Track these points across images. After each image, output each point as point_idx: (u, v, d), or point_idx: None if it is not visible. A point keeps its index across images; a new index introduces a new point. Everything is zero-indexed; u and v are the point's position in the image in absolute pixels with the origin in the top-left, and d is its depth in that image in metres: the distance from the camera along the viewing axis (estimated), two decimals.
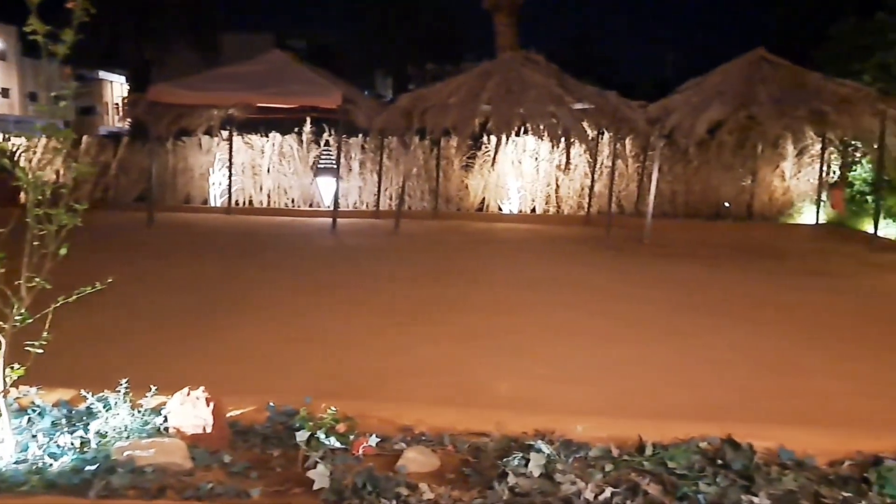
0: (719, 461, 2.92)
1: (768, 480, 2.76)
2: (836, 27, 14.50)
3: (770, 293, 7.02)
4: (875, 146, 10.78)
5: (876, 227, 10.19)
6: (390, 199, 13.55)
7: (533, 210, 13.51)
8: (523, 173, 13.40)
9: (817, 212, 12.54)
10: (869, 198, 12.31)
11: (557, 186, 13.45)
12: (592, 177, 13.13)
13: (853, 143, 12.69)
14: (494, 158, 13.32)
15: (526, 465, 2.86)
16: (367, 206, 13.90)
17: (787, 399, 3.98)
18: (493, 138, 12.71)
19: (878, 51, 12.89)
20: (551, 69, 11.24)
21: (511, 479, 2.76)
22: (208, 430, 2.99)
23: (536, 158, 13.33)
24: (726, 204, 13.35)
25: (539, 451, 2.93)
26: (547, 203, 13.48)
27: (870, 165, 12.33)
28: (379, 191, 13.63)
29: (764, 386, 4.20)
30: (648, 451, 3.02)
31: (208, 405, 3.01)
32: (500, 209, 13.59)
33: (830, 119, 10.16)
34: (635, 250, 9.76)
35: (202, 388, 3.07)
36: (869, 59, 12.97)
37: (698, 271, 8.21)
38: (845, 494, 2.66)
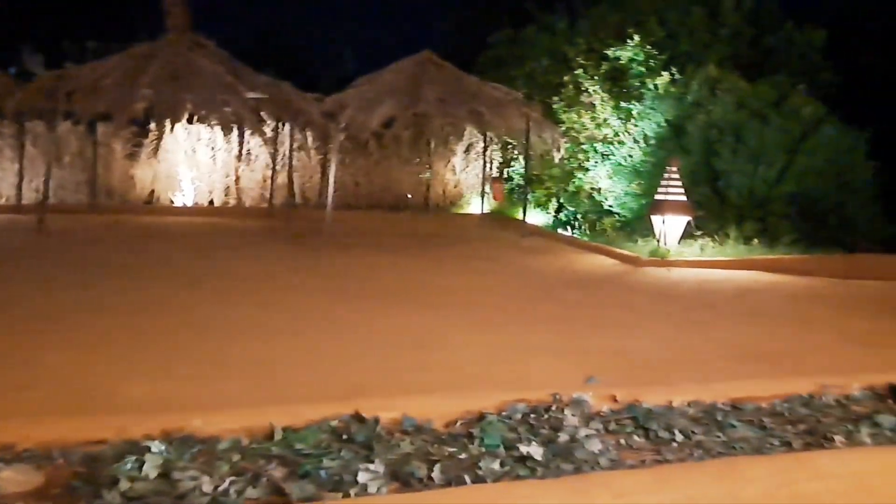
0: (345, 436, 3.00)
1: (388, 447, 2.90)
2: (495, 36, 16.21)
3: (435, 277, 7.57)
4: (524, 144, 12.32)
5: (524, 215, 11.67)
6: (37, 191, 11.92)
7: (211, 202, 12.93)
8: (198, 163, 12.73)
9: (482, 202, 13.97)
10: (526, 190, 14.05)
11: (238, 178, 13.05)
12: (274, 168, 12.99)
13: (510, 141, 14.35)
14: (158, 147, 12.41)
15: (141, 468, 2.65)
16: (6, 199, 12.09)
17: (424, 372, 4.25)
18: (165, 125, 11.90)
19: (527, 60, 14.73)
20: (222, 55, 10.85)
21: (124, 485, 2.52)
22: None
23: (213, 148, 12.78)
24: (409, 195, 14.22)
25: (155, 451, 2.73)
26: (226, 195, 13.00)
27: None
28: (20, 182, 11.91)
29: (406, 362, 4.45)
30: (278, 437, 2.99)
31: None
32: (172, 202, 12.77)
33: (486, 119, 11.33)
34: (314, 242, 9.86)
35: None
36: (521, 67, 14.75)
37: (373, 260, 8.57)
38: (451, 450, 2.90)
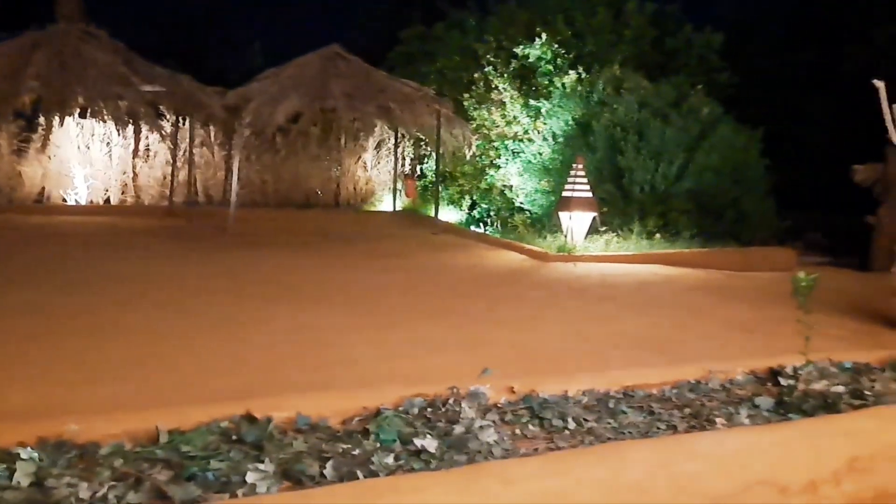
0: (235, 437, 2.91)
1: (280, 447, 2.83)
2: (406, 32, 16.20)
3: (341, 275, 7.48)
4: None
5: (436, 213, 11.71)
6: None
7: (107, 201, 12.34)
8: (92, 160, 12.12)
9: (394, 200, 13.93)
10: (438, 187, 14.10)
11: (136, 175, 12.51)
12: (174, 165, 12.51)
13: (422, 138, 14.37)
14: (47, 142, 11.73)
15: (11, 477, 2.50)
16: None
17: (323, 370, 4.18)
18: (53, 119, 11.23)
19: (438, 57, 14.78)
20: (116, 46, 10.37)
21: None
22: None
23: (108, 144, 12.19)
24: (318, 192, 14.01)
25: (26, 458, 2.57)
26: (123, 193, 12.43)
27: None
28: None
29: (305, 360, 4.36)
30: (164, 440, 2.87)
31: None
32: (64, 200, 12.12)
33: (396, 115, 11.30)
34: (217, 241, 9.57)
35: None
36: (432, 63, 14.80)
37: (279, 259, 8.39)
38: (345, 446, 2.86)
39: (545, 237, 10.72)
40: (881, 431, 2.85)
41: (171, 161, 12.45)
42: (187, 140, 12.55)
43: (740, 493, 2.56)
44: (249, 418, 3.02)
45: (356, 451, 2.80)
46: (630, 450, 2.59)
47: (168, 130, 11.97)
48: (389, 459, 2.74)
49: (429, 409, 3.25)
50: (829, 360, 4.03)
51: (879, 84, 5.82)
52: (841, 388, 3.49)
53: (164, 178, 12.54)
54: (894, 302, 5.55)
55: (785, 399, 3.42)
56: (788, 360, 3.99)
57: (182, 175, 12.51)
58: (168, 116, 11.35)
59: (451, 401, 3.32)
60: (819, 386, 3.51)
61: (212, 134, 12.69)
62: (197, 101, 10.37)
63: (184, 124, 12.30)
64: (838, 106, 18.28)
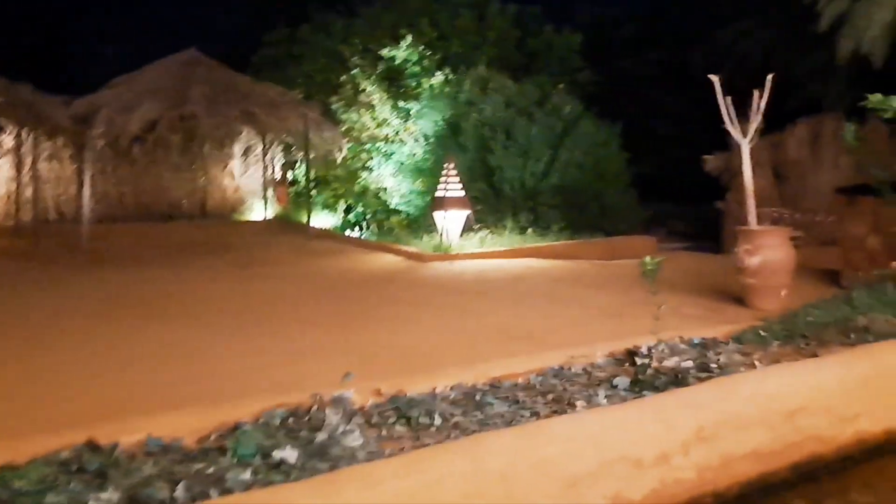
0: (77, 467, 2.69)
1: (126, 473, 2.64)
2: (270, 36, 15.78)
3: (208, 287, 7.15)
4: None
5: (309, 219, 11.47)
6: None
7: None
8: None
9: (265, 208, 13.53)
10: (313, 192, 13.81)
11: None
12: (19, 181, 11.52)
13: (292, 143, 14.04)
14: None
15: None
16: None
17: (182, 386, 3.96)
18: None
19: (304, 60, 14.51)
20: None
21: None
22: None
23: None
24: (184, 203, 13.38)
25: None
26: None
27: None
28: None
29: (164, 378, 4.13)
30: None
31: None
32: None
33: (262, 120, 10.97)
34: (70, 260, 8.91)
35: None
36: (298, 67, 14.51)
37: (141, 274, 7.92)
38: (199, 466, 2.70)
39: (421, 238, 10.76)
40: (724, 401, 3.02)
41: (17, 177, 11.47)
42: (33, 154, 11.58)
43: (599, 471, 2.63)
44: (92, 446, 2.81)
45: (210, 470, 2.66)
46: (491, 440, 2.60)
47: (10, 144, 11.00)
48: (246, 475, 2.62)
49: (291, 419, 3.15)
50: (679, 337, 4.25)
51: (715, 79, 6.23)
52: (690, 363, 3.69)
53: (8, 196, 11.52)
54: (739, 279, 5.95)
55: (640, 378, 3.57)
56: (644, 341, 4.18)
57: (29, 191, 11.54)
58: (7, 129, 10.44)
59: (314, 409, 3.23)
60: (670, 363, 3.69)
61: (60, 146, 11.80)
62: (38, 112, 9.59)
63: (27, 137, 11.35)
64: (689, 101, 19.52)
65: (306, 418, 3.15)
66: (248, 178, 14.01)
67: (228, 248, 10.27)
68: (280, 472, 2.66)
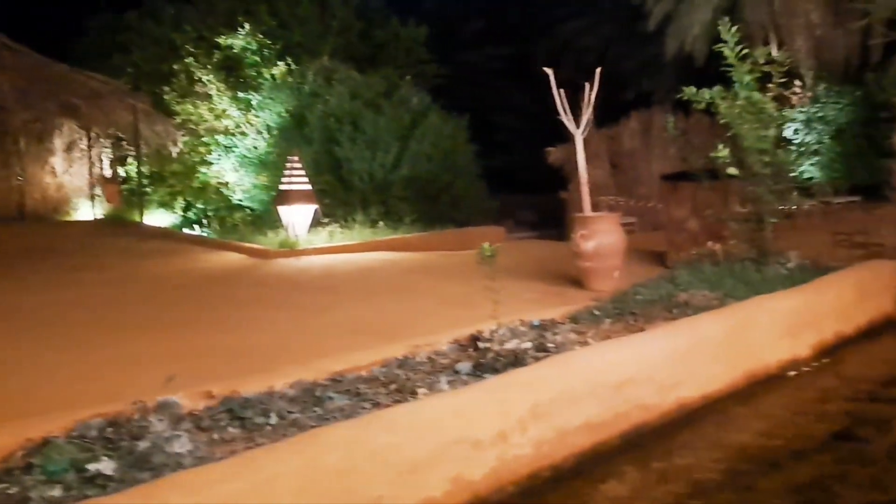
0: None
1: None
2: (93, 22, 14.61)
3: (25, 297, 6.47)
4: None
5: (143, 218, 10.73)
6: None
7: None
8: None
9: (93, 207, 12.51)
10: (147, 189, 12.92)
11: None
12: None
13: (122, 137, 13.07)
14: None
15: None
16: None
17: None
18: None
19: (133, 48, 13.54)
20: None
21: None
22: None
23: None
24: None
25: None
26: None
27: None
28: None
29: None
30: None
31: None
32: None
33: (84, 113, 10.12)
34: None
35: None
36: (126, 55, 13.51)
37: None
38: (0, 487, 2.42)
39: (267, 234, 10.39)
40: (557, 377, 3.12)
41: None
42: None
43: (438, 455, 2.63)
44: None
45: (13, 490, 2.39)
46: (327, 434, 2.52)
47: None
48: (56, 492, 2.38)
49: (110, 429, 2.89)
50: (520, 320, 4.36)
51: (549, 71, 6.46)
52: (529, 345, 3.78)
53: None
54: (576, 263, 6.23)
55: (481, 362, 3.62)
56: (487, 326, 4.24)
57: None
58: None
59: (137, 416, 2.98)
60: (511, 345, 3.77)
61: None
62: None
63: None
64: (533, 95, 20.29)
65: (127, 427, 2.90)
66: (73, 176, 12.87)
67: (51, 252, 9.38)
68: (95, 485, 2.44)
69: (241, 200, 12.16)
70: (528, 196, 18.78)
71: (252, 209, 12.01)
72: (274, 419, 3.02)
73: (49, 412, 3.01)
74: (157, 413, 2.97)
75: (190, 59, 12.11)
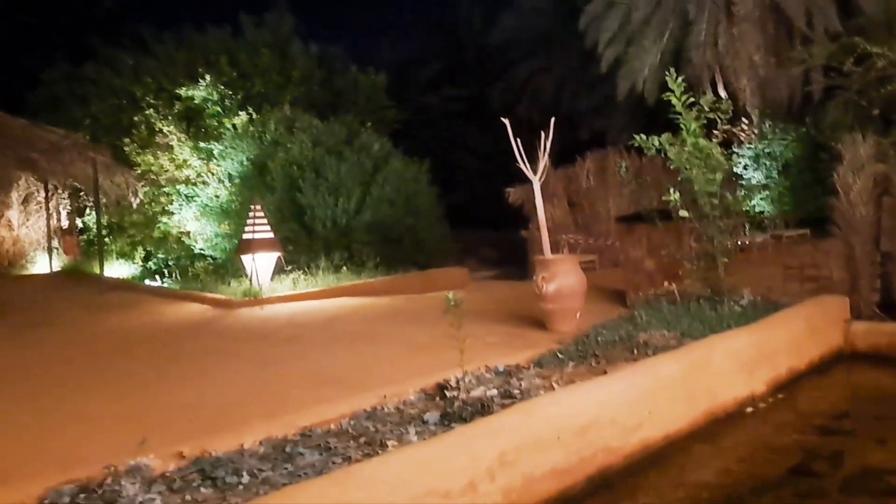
0: None
1: None
2: (49, 73, 14.55)
3: None
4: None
5: (101, 269, 10.59)
6: None
7: None
8: None
9: (51, 259, 12.32)
10: (106, 240, 12.77)
11: None
12: None
13: (81, 188, 12.95)
14: None
15: None
16: None
17: None
18: None
19: (91, 99, 13.51)
20: None
21: None
22: None
23: None
24: None
25: None
26: None
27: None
28: None
29: None
30: None
31: None
32: None
33: (42, 166, 10.04)
34: None
35: None
36: (84, 107, 13.47)
37: None
38: None
39: (229, 283, 10.33)
40: (523, 424, 3.20)
41: None
42: None
43: None
44: None
45: None
46: (299, 493, 2.56)
47: None
48: None
49: (82, 496, 2.88)
50: (485, 367, 4.45)
51: (506, 121, 6.67)
52: (495, 392, 3.87)
53: None
54: (538, 305, 6.35)
55: (448, 411, 3.69)
56: (453, 373, 4.32)
57: None
58: None
59: (108, 481, 2.98)
60: (477, 392, 3.85)
61: None
62: None
63: None
64: (491, 135, 20.70)
65: (99, 492, 2.90)
66: (30, 228, 12.69)
67: (9, 307, 9.19)
68: None
69: (202, 249, 12.10)
70: (487, 232, 19.04)
71: (214, 258, 11.94)
72: (245, 478, 3.04)
73: (19, 478, 2.99)
74: (129, 476, 2.97)
75: (150, 111, 12.13)
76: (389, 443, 3.35)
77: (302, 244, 11.54)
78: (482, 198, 20.07)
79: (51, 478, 2.97)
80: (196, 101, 12.43)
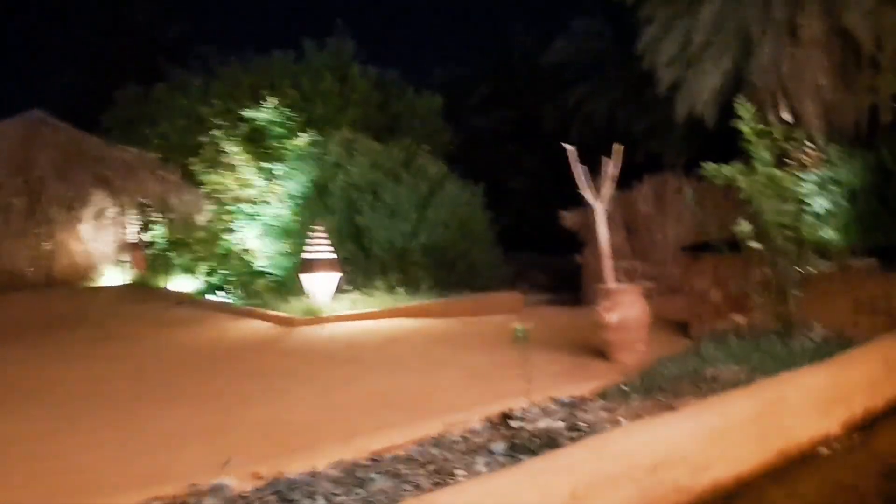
0: None
1: None
2: (122, 94, 15.17)
3: (52, 370, 6.60)
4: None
5: (168, 284, 10.94)
6: None
7: None
8: None
9: (121, 273, 12.77)
10: (171, 255, 13.19)
11: None
12: None
13: (149, 204, 13.41)
14: None
15: None
16: None
17: (31, 489, 3.64)
18: None
19: (160, 120, 14.04)
20: None
21: None
22: None
23: None
24: (30, 270, 12.36)
25: None
26: None
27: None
28: None
29: (9, 480, 3.77)
30: None
31: None
32: None
33: (116, 185, 10.46)
34: None
35: None
36: (154, 127, 14.00)
37: None
38: None
39: (289, 300, 10.53)
40: (594, 461, 3.19)
41: None
42: None
43: None
44: None
45: None
46: None
47: None
48: None
49: None
50: (550, 398, 4.44)
51: (570, 148, 6.66)
52: (561, 424, 3.86)
53: None
54: (600, 335, 6.31)
55: (515, 442, 3.70)
56: (517, 403, 4.33)
57: None
58: None
59: (192, 500, 3.08)
60: (542, 424, 3.85)
61: None
62: None
63: None
64: (544, 158, 20.62)
65: None
66: (101, 242, 13.19)
67: (80, 320, 9.57)
68: None
69: (263, 267, 12.38)
70: (539, 256, 18.90)
71: (275, 275, 12.21)
72: (321, 501, 3.10)
73: (108, 493, 3.11)
74: (212, 496, 3.06)
75: (217, 132, 12.53)
76: (458, 472, 3.38)
77: (359, 265, 11.69)
78: (532, 220, 19.99)
79: (138, 494, 3.09)
80: (260, 123, 12.80)
